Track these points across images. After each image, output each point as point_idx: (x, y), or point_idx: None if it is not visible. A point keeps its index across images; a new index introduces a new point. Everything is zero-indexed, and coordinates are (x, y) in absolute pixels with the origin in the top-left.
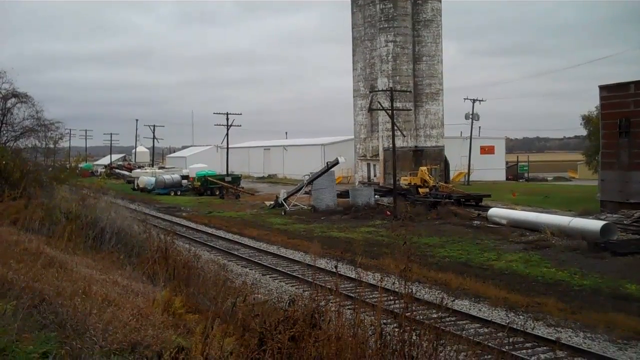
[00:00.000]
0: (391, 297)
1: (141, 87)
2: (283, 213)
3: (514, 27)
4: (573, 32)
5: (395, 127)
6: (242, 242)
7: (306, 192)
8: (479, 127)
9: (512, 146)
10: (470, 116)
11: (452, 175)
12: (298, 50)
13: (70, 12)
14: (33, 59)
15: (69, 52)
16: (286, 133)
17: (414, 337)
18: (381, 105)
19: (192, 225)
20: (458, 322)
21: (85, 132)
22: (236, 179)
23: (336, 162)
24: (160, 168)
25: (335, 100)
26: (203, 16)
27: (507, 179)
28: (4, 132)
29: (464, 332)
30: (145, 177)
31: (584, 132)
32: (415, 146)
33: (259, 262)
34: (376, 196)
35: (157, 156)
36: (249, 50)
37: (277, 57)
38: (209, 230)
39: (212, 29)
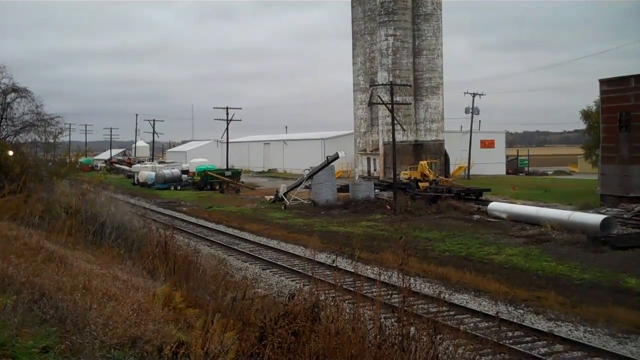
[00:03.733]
0: (390, 291)
1: (151, 82)
2: (283, 207)
3: (525, 22)
4: (585, 26)
5: (395, 121)
6: (242, 236)
7: (306, 187)
8: (479, 121)
9: (512, 140)
10: (471, 110)
11: (452, 169)
12: (310, 46)
13: (88, 8)
14: (49, 55)
15: (85, 49)
16: (286, 127)
17: (413, 331)
18: (381, 99)
19: (193, 219)
20: (457, 316)
21: (85, 127)
22: (236, 174)
23: (336, 157)
24: (160, 163)
25: (337, 95)
26: (220, 12)
27: (507, 173)
28: (4, 126)
29: (464, 326)
30: (145, 172)
31: (584, 126)
32: (415, 140)
33: (259, 256)
34: (376, 190)
35: (157, 151)
36: (263, 46)
37: (290, 52)
38: (209, 224)
39: (228, 25)
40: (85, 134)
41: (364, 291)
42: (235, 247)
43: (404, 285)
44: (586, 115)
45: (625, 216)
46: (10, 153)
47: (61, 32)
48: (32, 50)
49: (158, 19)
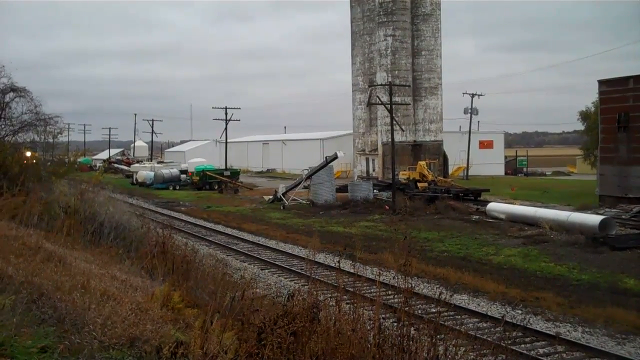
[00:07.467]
0: (390, 292)
1: (154, 82)
2: (282, 208)
3: (531, 23)
4: (592, 28)
5: (394, 122)
6: (241, 236)
7: (305, 187)
8: (478, 121)
9: (511, 141)
10: (469, 111)
11: (450, 169)
12: (321, 46)
13: (97, 8)
14: (58, 55)
15: (97, 49)
16: (285, 127)
17: (413, 332)
18: (380, 100)
19: (191, 219)
20: (456, 317)
21: (84, 127)
22: (235, 174)
23: (335, 157)
24: (159, 162)
25: (337, 95)
26: (236, 13)
27: (506, 173)
28: (2, 126)
29: (463, 326)
30: (144, 172)
31: (582, 126)
32: (414, 141)
33: (258, 256)
34: (375, 191)
35: (156, 151)
36: (273, 47)
37: (299, 53)
38: (208, 224)
39: (242, 26)
40: (84, 133)
41: (364, 292)
42: (234, 247)
43: (406, 286)
44: (585, 116)
45: (623, 217)
46: (28, 154)
47: (73, 33)
48: (41, 50)
49: (174, 19)
